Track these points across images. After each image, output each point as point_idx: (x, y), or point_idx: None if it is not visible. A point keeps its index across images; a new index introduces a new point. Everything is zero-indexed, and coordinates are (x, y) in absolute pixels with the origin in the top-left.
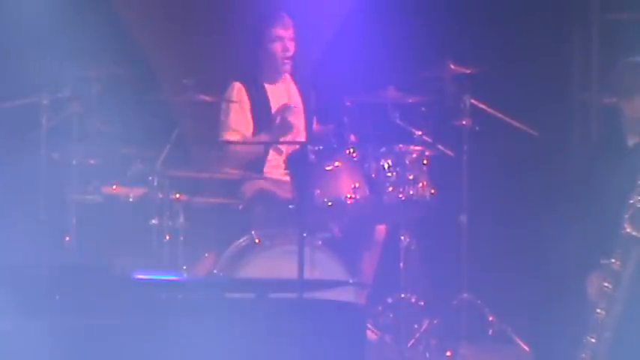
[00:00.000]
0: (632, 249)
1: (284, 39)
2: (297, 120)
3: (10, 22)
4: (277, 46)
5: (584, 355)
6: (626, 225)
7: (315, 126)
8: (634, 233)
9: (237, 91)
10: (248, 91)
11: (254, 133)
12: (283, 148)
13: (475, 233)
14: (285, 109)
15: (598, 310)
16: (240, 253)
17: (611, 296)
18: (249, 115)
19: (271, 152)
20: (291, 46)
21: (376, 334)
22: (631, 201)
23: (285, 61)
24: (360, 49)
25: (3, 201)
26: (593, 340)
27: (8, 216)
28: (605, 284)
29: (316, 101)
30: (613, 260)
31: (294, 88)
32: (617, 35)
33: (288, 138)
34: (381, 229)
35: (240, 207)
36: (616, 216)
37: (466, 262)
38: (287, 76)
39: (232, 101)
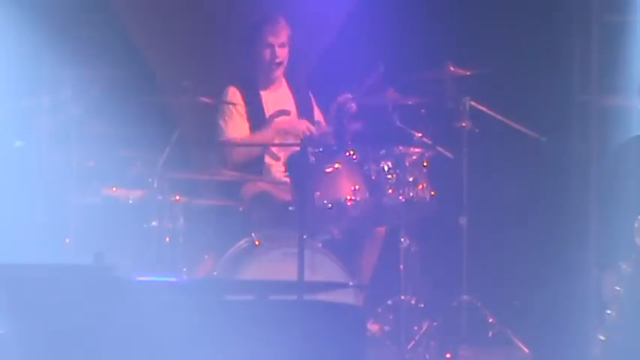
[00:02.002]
0: None
1: (273, 46)
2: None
3: (12, 23)
4: (266, 53)
5: (594, 351)
6: (638, 239)
7: (323, 126)
8: None
9: (232, 94)
10: (243, 95)
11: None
12: (280, 153)
13: (475, 235)
14: (279, 114)
15: (608, 311)
16: (240, 255)
17: (622, 300)
18: (245, 119)
19: (267, 157)
20: (282, 53)
21: (380, 329)
22: None
23: (274, 67)
24: (359, 50)
25: (3, 203)
26: (602, 339)
27: (9, 217)
28: (617, 287)
29: (317, 103)
30: (625, 266)
31: (288, 94)
32: (616, 37)
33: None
34: (381, 230)
35: (240, 209)
36: (629, 220)
37: (466, 264)
38: (283, 81)
39: (228, 103)
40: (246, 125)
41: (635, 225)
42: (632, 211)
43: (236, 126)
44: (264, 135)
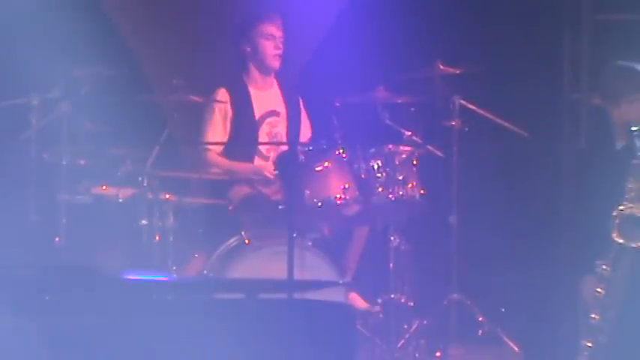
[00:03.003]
0: (621, 256)
1: (276, 37)
2: (281, 126)
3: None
4: (269, 43)
5: (581, 358)
6: (614, 233)
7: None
8: (621, 241)
9: (221, 97)
10: (233, 97)
11: (230, 140)
12: (269, 153)
13: (464, 234)
14: (268, 115)
15: (592, 315)
16: (230, 254)
17: (604, 301)
18: (228, 125)
19: (256, 158)
20: (282, 46)
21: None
22: (618, 209)
23: (275, 58)
24: (349, 49)
25: None
26: (589, 345)
27: None
28: (598, 289)
29: (305, 106)
30: (604, 266)
31: (279, 95)
32: (607, 36)
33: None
34: (371, 229)
35: (230, 208)
36: (606, 219)
37: (456, 263)
38: (274, 82)
39: (217, 102)
40: (226, 130)
41: (614, 214)
42: (607, 208)
43: (216, 130)
44: (240, 167)
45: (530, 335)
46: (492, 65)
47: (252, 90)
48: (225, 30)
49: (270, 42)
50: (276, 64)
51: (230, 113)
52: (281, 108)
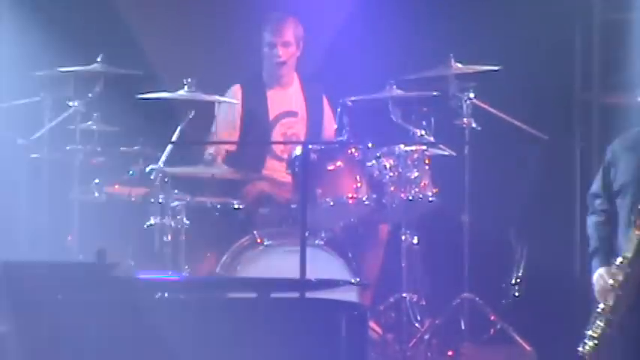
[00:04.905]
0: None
1: (274, 45)
2: (299, 127)
3: (14, 22)
4: (267, 52)
5: (582, 348)
6: (636, 229)
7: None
8: None
9: (234, 94)
10: (246, 94)
11: (240, 137)
12: (283, 155)
13: (477, 232)
14: (283, 116)
15: (602, 306)
16: (242, 253)
17: (616, 295)
18: (238, 120)
19: (269, 159)
20: (284, 52)
21: (378, 333)
22: None
23: (277, 66)
24: (362, 47)
25: (6, 200)
26: (593, 335)
27: (11, 215)
28: (611, 282)
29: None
30: (620, 260)
31: (299, 94)
32: (618, 35)
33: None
34: (383, 228)
35: (242, 207)
36: (626, 215)
37: (468, 262)
38: (295, 80)
39: (226, 102)
40: (237, 127)
41: (638, 208)
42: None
43: (225, 126)
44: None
45: (542, 334)
46: (504, 64)
47: (269, 88)
48: (240, 28)
49: (267, 50)
50: (280, 71)
51: (240, 111)
52: (300, 108)
